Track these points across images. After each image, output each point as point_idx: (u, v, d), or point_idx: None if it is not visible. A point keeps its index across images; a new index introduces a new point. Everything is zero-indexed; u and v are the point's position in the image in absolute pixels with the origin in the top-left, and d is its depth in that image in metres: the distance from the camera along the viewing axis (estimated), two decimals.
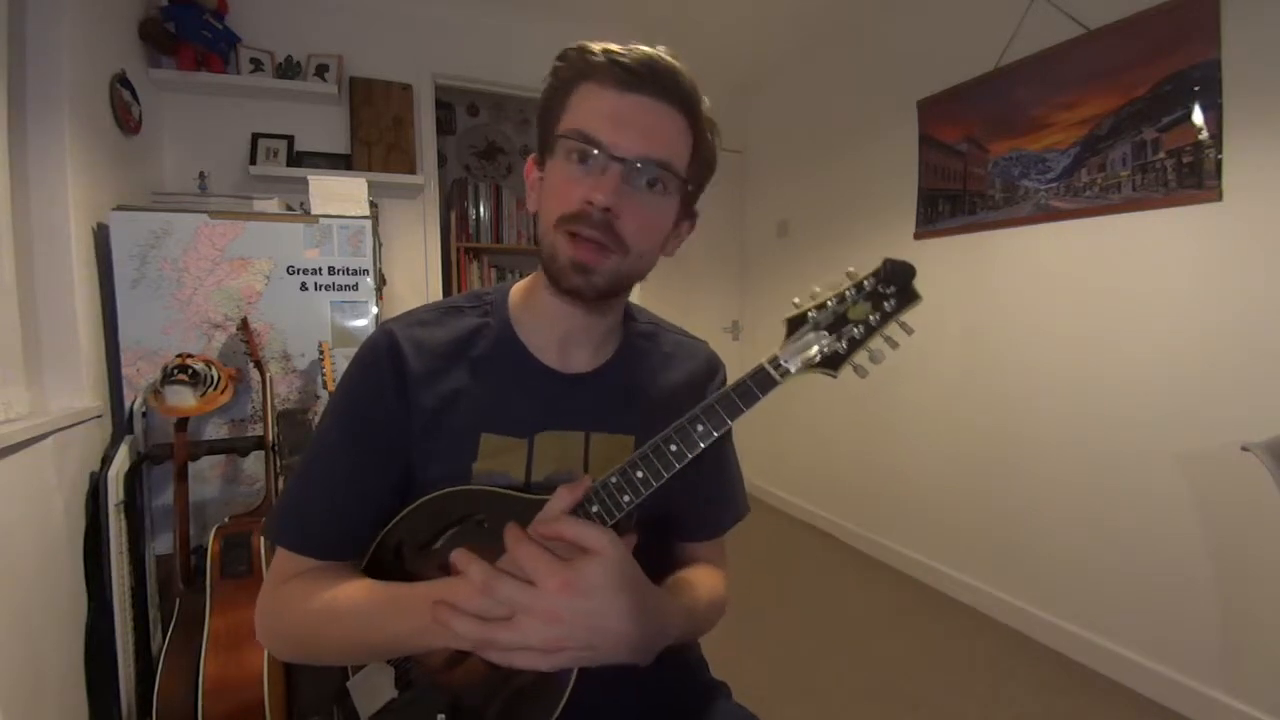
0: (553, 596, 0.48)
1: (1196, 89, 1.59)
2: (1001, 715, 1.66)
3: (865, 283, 0.57)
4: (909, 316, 0.58)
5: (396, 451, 0.63)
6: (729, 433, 0.79)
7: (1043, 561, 2.03)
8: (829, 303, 0.58)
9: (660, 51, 0.59)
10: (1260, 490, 1.34)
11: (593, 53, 0.58)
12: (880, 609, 2.30)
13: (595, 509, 0.56)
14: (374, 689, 0.62)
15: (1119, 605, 1.81)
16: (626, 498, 0.56)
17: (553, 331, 0.67)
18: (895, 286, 0.57)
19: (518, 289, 0.71)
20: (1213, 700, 1.58)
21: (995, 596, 2.19)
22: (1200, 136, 1.59)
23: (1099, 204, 1.84)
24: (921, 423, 2.51)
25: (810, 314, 0.58)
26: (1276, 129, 1.48)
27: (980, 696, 1.74)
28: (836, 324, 0.57)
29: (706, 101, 0.62)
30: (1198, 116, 1.60)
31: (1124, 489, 1.79)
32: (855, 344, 0.57)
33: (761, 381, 0.57)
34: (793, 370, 0.57)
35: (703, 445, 0.56)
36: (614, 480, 0.56)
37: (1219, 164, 1.56)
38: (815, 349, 0.57)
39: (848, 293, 0.57)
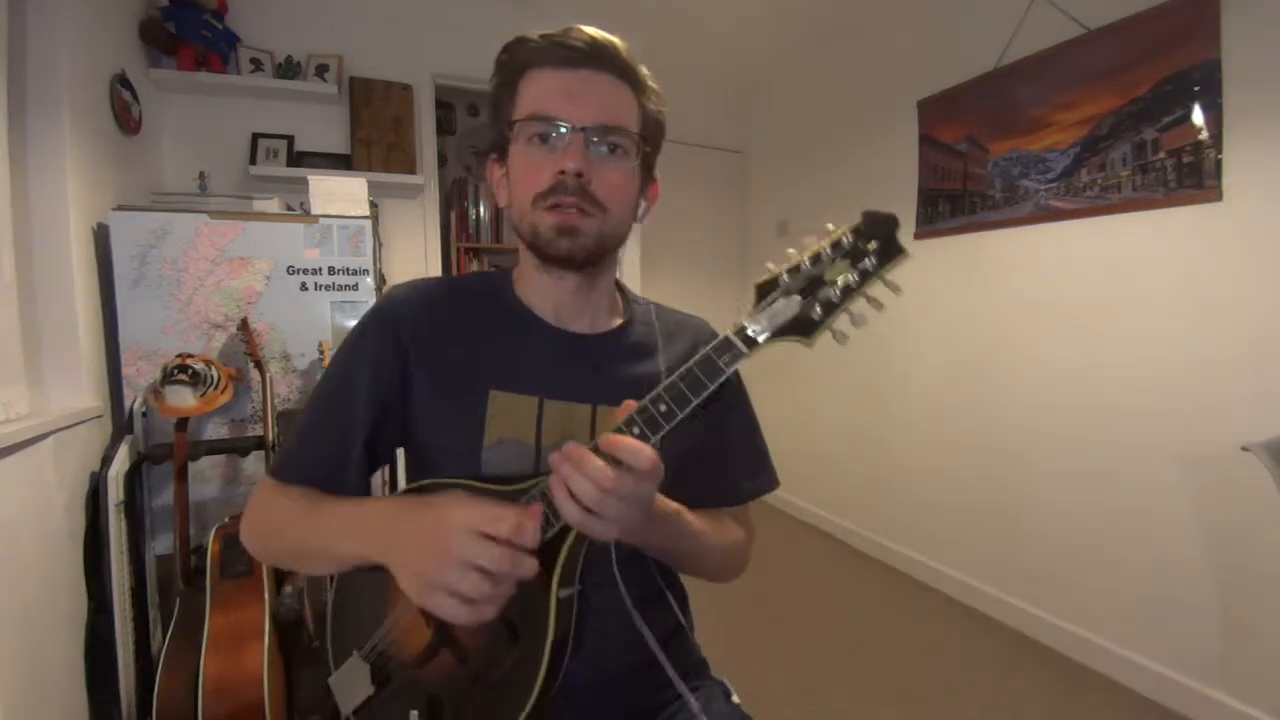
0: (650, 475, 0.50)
1: (1196, 89, 1.59)
2: (1001, 716, 1.66)
3: (843, 240, 0.51)
4: (896, 274, 0.51)
5: (375, 405, 0.66)
6: (748, 404, 0.80)
7: (1043, 561, 2.03)
8: (803, 264, 0.51)
9: (595, 30, 0.63)
10: (1260, 490, 1.34)
11: (532, 40, 0.63)
12: (880, 609, 2.30)
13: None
14: (353, 685, 0.62)
15: (1119, 605, 1.81)
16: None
17: (547, 303, 0.71)
18: (876, 241, 0.50)
19: (518, 270, 0.75)
20: (1213, 700, 1.58)
21: (995, 596, 2.18)
22: (1200, 136, 1.59)
23: (1099, 204, 1.84)
24: (921, 423, 2.51)
25: (782, 278, 0.52)
26: (1276, 129, 1.48)
27: (980, 697, 1.74)
28: (811, 286, 0.51)
29: (644, 70, 0.66)
30: (1198, 116, 1.60)
31: (1124, 489, 1.79)
32: (832, 307, 0.51)
33: (726, 352, 0.51)
34: (760, 340, 0.51)
35: (666, 426, 0.52)
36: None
37: (1219, 164, 1.56)
38: (787, 315, 0.51)
39: (823, 253, 0.51)
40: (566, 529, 0.54)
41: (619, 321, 0.75)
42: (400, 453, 0.74)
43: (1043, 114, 1.98)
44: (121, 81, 1.82)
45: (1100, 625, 1.86)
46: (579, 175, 0.60)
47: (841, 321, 0.52)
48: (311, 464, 0.66)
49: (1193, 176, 1.62)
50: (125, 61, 1.89)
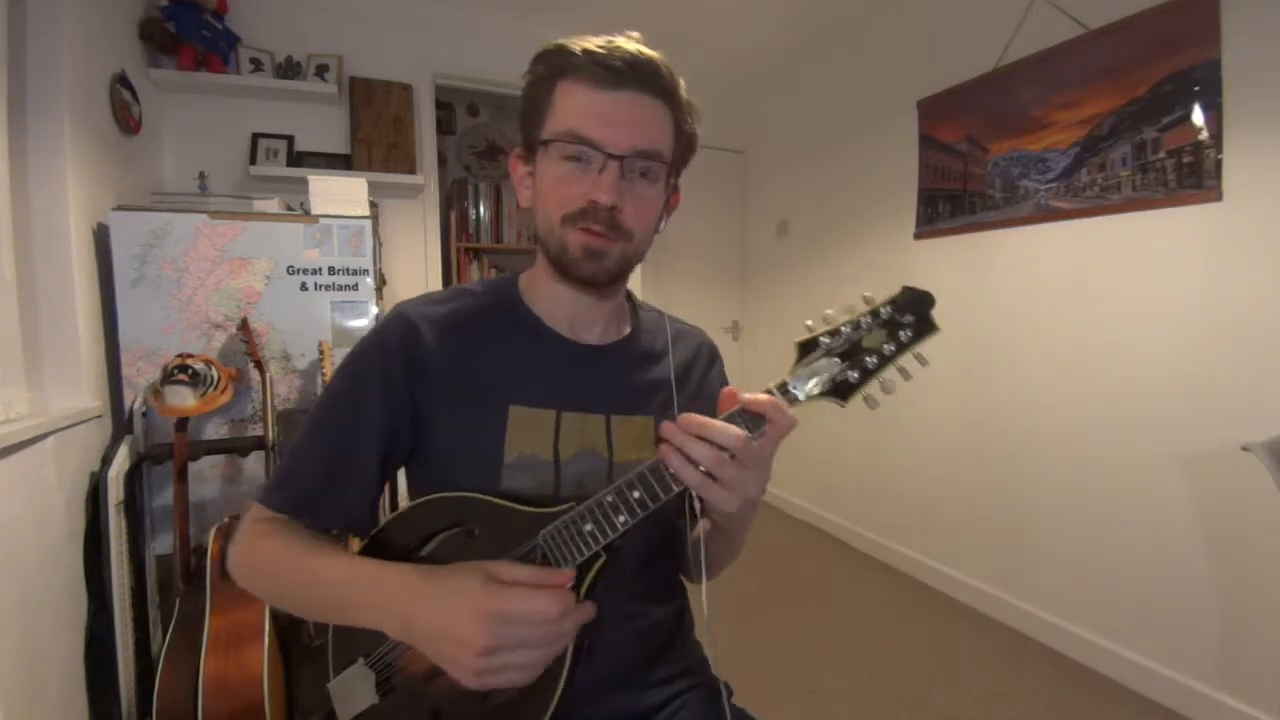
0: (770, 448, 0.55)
1: (1196, 89, 1.59)
2: (1002, 716, 1.66)
3: (882, 310, 0.54)
4: (924, 347, 0.55)
5: (385, 435, 0.64)
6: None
7: (1043, 562, 2.03)
8: (843, 328, 0.55)
9: (635, 42, 0.61)
10: (1260, 490, 1.34)
11: (572, 52, 0.61)
12: (881, 610, 2.30)
13: (589, 527, 0.54)
14: (354, 693, 0.62)
15: (1119, 605, 1.81)
16: (622, 518, 0.54)
17: (561, 313, 0.71)
18: (913, 315, 0.54)
19: (524, 276, 0.75)
20: (1213, 700, 1.58)
21: (996, 597, 2.18)
22: (1200, 136, 1.59)
23: (1099, 204, 1.84)
24: (921, 422, 2.51)
25: (822, 339, 0.55)
26: (1276, 129, 1.48)
27: (981, 697, 1.74)
28: (850, 351, 0.54)
29: (683, 84, 0.65)
30: (1198, 116, 1.60)
31: (1124, 488, 1.79)
32: (868, 374, 0.54)
33: None
34: (801, 398, 0.54)
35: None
36: (609, 499, 0.54)
37: (1219, 164, 1.56)
38: (826, 376, 0.54)
39: (863, 320, 0.55)
40: (596, 555, 0.54)
41: (627, 330, 0.76)
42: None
43: (1043, 114, 1.99)
44: (121, 81, 1.82)
45: (1100, 625, 1.86)
46: (612, 208, 0.61)
47: (873, 387, 0.55)
48: (305, 496, 0.63)
49: (1193, 176, 1.62)
50: (125, 61, 1.89)
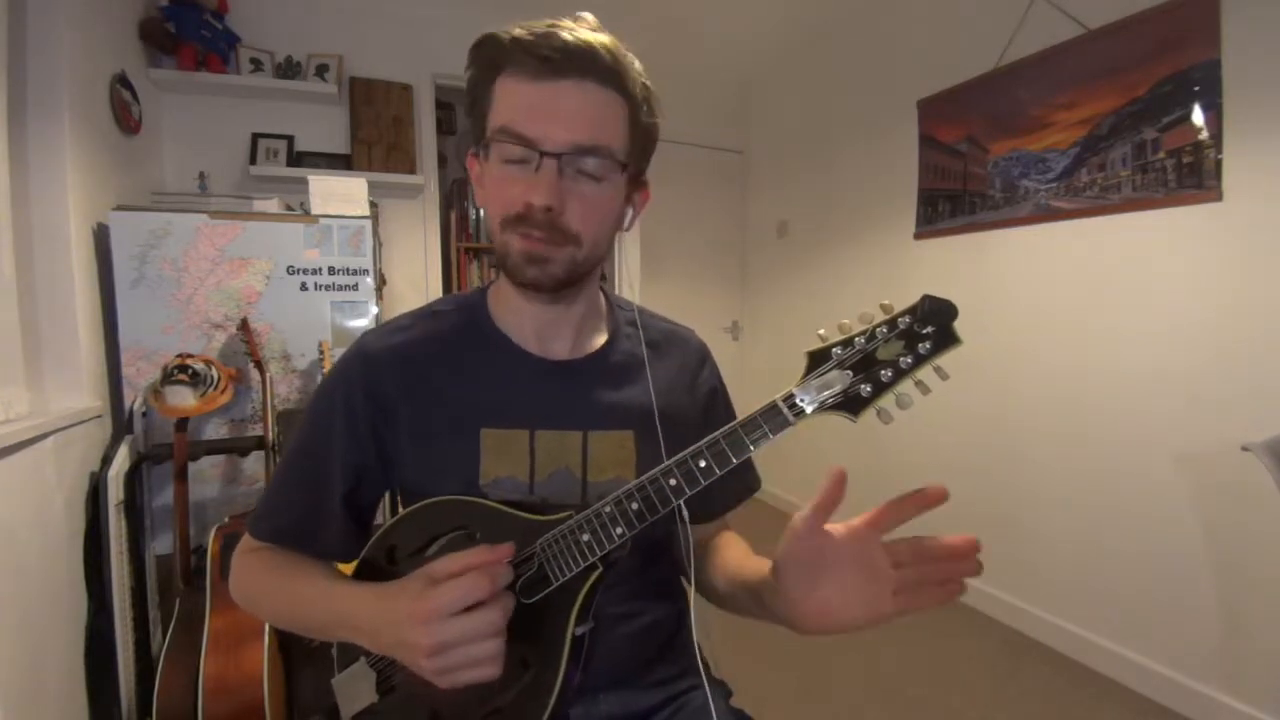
0: None
1: (1196, 89, 1.59)
2: (1001, 715, 1.66)
3: (900, 320, 0.50)
4: (945, 360, 0.51)
5: (350, 469, 0.64)
6: (731, 408, 0.79)
7: (1043, 562, 2.03)
8: (857, 339, 0.51)
9: (585, 25, 0.57)
10: (1260, 490, 1.34)
11: (501, 41, 0.57)
12: None
13: (586, 538, 0.54)
14: (356, 690, 0.62)
15: (1119, 605, 1.81)
16: (619, 530, 0.53)
17: (526, 326, 0.68)
18: (933, 327, 0.50)
19: (493, 289, 0.72)
20: (1213, 700, 1.58)
21: (995, 597, 2.18)
22: (1200, 136, 1.59)
23: (1099, 204, 1.84)
24: (920, 422, 2.50)
25: (835, 350, 0.52)
26: (1276, 129, 1.48)
27: (981, 698, 1.74)
28: (864, 363, 0.51)
29: (636, 65, 0.59)
30: (1198, 116, 1.60)
31: (1124, 489, 1.79)
32: (882, 387, 0.51)
33: (772, 420, 0.52)
34: (809, 410, 0.51)
35: (704, 482, 0.53)
36: (607, 510, 0.53)
37: (1219, 164, 1.56)
38: (837, 388, 0.51)
39: (879, 330, 0.51)
40: (593, 567, 0.54)
41: (602, 340, 0.72)
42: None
43: (1043, 114, 1.98)
44: (121, 81, 1.82)
45: (1100, 625, 1.86)
46: (548, 209, 0.56)
47: (887, 401, 0.51)
48: (286, 528, 0.65)
49: (1193, 176, 1.62)
50: (125, 61, 1.89)
